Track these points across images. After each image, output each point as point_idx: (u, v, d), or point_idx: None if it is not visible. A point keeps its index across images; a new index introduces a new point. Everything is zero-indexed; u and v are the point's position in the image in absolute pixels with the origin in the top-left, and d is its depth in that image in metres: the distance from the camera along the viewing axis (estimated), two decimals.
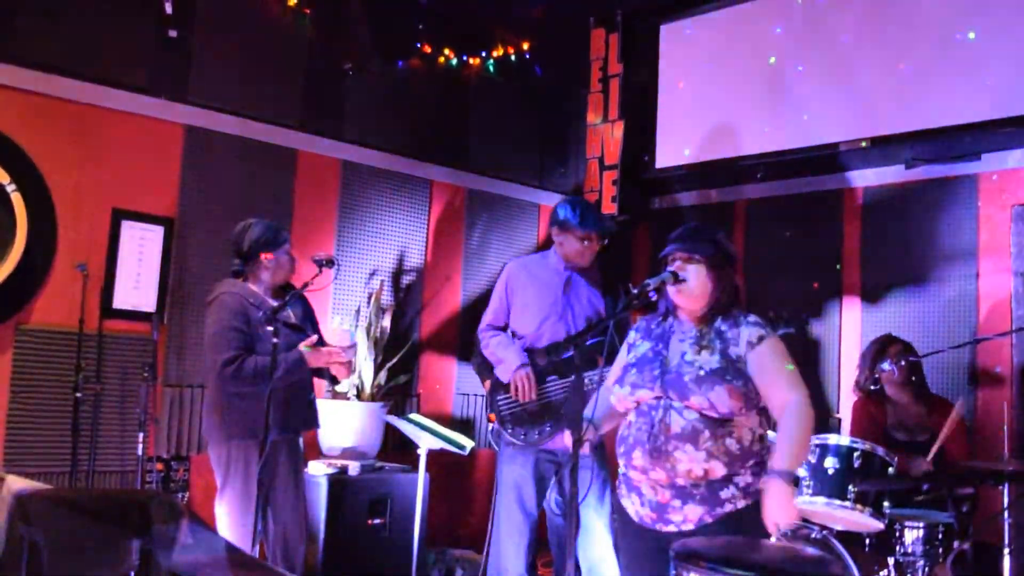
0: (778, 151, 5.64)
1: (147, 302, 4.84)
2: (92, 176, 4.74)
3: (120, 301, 4.77)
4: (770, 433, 3.61)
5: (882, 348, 4.69)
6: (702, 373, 2.87)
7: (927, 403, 4.64)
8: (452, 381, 6.19)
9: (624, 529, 3.09)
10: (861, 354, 4.86)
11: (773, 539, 2.70)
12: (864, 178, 5.58)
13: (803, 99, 5.54)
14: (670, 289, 2.97)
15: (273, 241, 4.01)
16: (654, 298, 2.99)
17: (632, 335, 3.17)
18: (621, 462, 3.02)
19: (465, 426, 6.15)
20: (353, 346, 4.05)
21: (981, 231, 5.10)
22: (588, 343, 3.76)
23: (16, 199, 4.42)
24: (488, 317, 4.32)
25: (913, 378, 4.58)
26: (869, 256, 5.53)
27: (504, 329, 4.29)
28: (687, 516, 2.87)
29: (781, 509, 2.71)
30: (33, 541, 2.28)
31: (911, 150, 5.25)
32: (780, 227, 5.88)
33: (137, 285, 4.82)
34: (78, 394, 4.48)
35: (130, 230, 4.82)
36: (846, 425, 5.05)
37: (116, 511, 2.09)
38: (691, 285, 2.96)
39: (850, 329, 5.58)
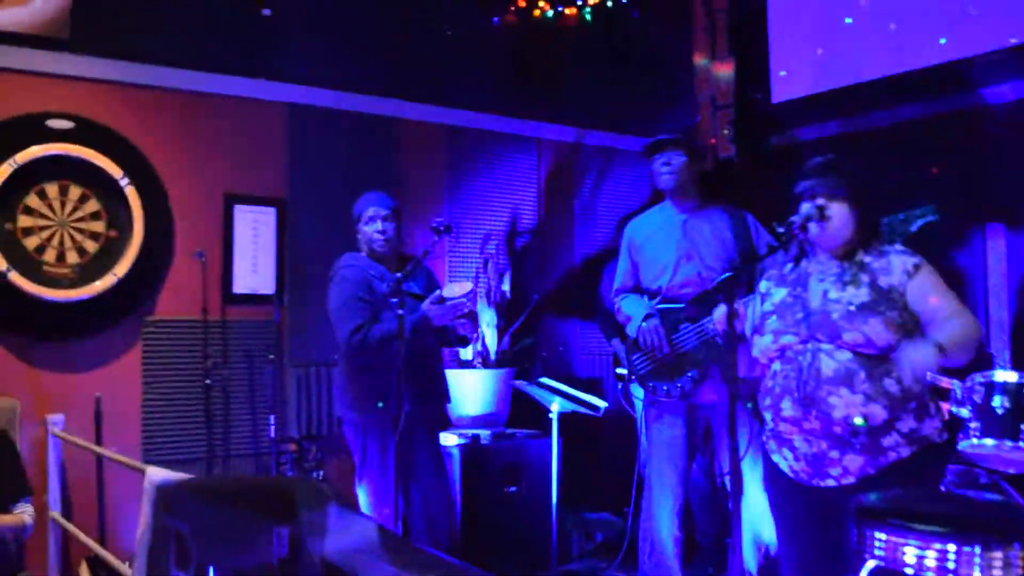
0: (905, 72, 5.28)
1: (266, 285, 4.84)
2: (201, 163, 4.75)
3: (240, 286, 4.78)
4: (944, 380, 3.37)
5: None
6: (852, 308, 2.68)
7: None
8: (575, 341, 6.06)
9: (777, 488, 2.90)
10: None
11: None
12: (1005, 93, 5.18)
13: (932, 9, 5.15)
14: (813, 227, 2.76)
15: (353, 216, 3.96)
16: (800, 237, 2.79)
17: (764, 284, 2.98)
18: (768, 415, 2.84)
19: (592, 385, 5.99)
20: (472, 293, 3.93)
21: None
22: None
23: (131, 193, 4.44)
24: (617, 282, 4.16)
25: None
26: (1014, 178, 5.14)
27: (634, 291, 4.12)
28: (847, 468, 2.68)
29: (920, 362, 2.52)
30: (179, 531, 2.25)
31: None
32: (911, 155, 5.52)
33: (255, 269, 4.82)
34: (207, 381, 4.51)
35: (243, 214, 4.81)
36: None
37: (260, 498, 2.04)
38: (835, 223, 2.77)
39: (996, 258, 5.23)
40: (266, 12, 4.93)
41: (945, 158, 5.36)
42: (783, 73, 5.85)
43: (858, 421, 2.63)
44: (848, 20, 5.53)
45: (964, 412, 3.51)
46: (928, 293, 2.70)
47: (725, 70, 5.88)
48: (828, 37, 5.65)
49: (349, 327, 3.70)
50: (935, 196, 5.33)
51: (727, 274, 3.78)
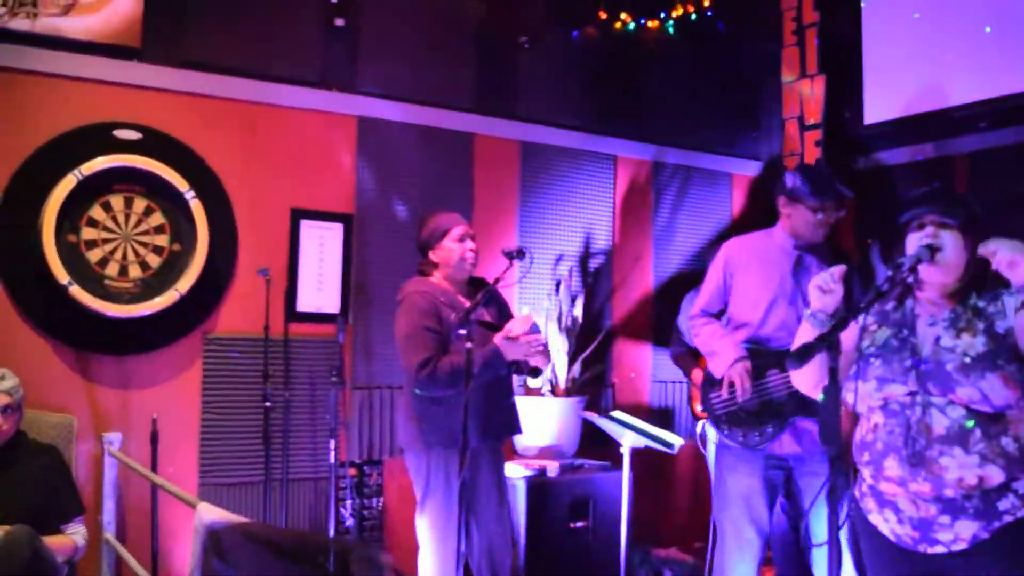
0: (1006, 95, 4.98)
1: (331, 303, 4.70)
2: (268, 176, 4.64)
3: (304, 304, 4.64)
4: None
5: None
6: (968, 360, 2.41)
7: None
8: (648, 369, 5.83)
9: (879, 552, 2.63)
10: None
11: None
12: None
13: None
14: (923, 266, 2.50)
15: (435, 233, 3.75)
16: (910, 280, 2.54)
17: (864, 319, 2.70)
18: (867, 472, 2.57)
19: (663, 416, 5.79)
20: (535, 327, 3.72)
21: None
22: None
23: (196, 206, 4.33)
24: (702, 301, 3.85)
25: None
26: None
27: (719, 316, 3.84)
28: (958, 534, 2.41)
29: None
30: None
31: None
32: (1008, 181, 5.21)
33: (320, 286, 4.68)
34: (267, 402, 4.38)
35: (309, 229, 4.68)
36: None
37: (314, 556, 1.87)
38: (947, 255, 2.50)
39: None
40: (339, 22, 4.82)
41: None
42: (873, 93, 5.57)
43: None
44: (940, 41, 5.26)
45: None
46: None
47: (815, 88, 5.60)
48: (922, 58, 5.38)
49: (417, 360, 3.52)
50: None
51: (833, 322, 3.52)
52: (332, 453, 4.24)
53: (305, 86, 4.73)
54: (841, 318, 2.41)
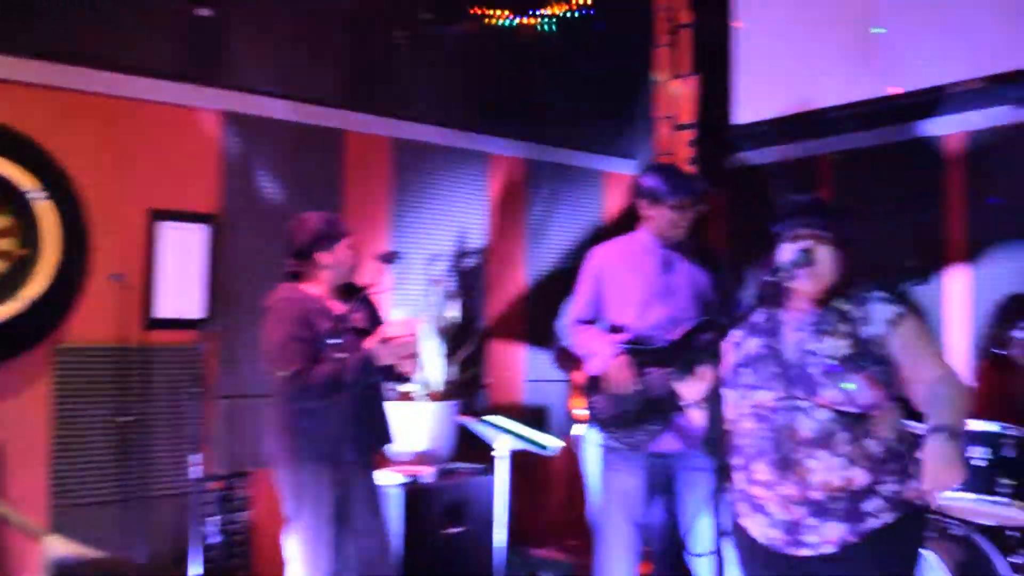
0: (872, 99, 5.14)
1: (193, 309, 4.48)
2: (125, 175, 4.40)
3: (163, 310, 4.41)
4: (914, 426, 3.20)
5: (1015, 311, 4.25)
6: (832, 363, 2.49)
7: None
8: (522, 368, 5.80)
9: (751, 555, 2.68)
10: (990, 314, 4.43)
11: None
12: (967, 122, 5.07)
13: (898, 39, 5.03)
14: (799, 272, 2.56)
15: (330, 236, 3.60)
16: (786, 287, 2.58)
17: (735, 333, 2.75)
18: (739, 477, 2.62)
19: (538, 415, 5.77)
20: (415, 332, 3.62)
21: None
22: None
23: (45, 208, 4.07)
24: (575, 311, 3.88)
25: None
26: (975, 208, 5.03)
27: (593, 323, 3.86)
28: (825, 536, 2.48)
29: (946, 469, 2.38)
30: None
31: (1018, 88, 4.71)
32: (872, 182, 5.39)
33: (180, 291, 4.46)
34: (124, 417, 4.15)
35: (170, 231, 4.46)
36: None
37: None
38: (821, 267, 2.58)
39: (955, 290, 5.10)
40: (203, 12, 4.59)
41: (911, 185, 5.24)
42: (745, 94, 5.67)
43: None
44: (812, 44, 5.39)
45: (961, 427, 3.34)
46: (912, 343, 2.53)
47: (687, 88, 5.66)
48: (791, 60, 5.49)
49: (288, 371, 3.38)
50: (897, 225, 5.20)
51: (703, 319, 3.57)
52: (195, 467, 4.06)
53: (166, 79, 4.50)
54: (725, 327, 2.45)
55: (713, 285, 3.75)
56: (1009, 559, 3.58)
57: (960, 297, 5.06)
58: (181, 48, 4.57)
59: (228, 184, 4.68)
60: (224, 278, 4.61)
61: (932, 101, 5.03)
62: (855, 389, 2.44)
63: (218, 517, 4.43)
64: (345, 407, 3.25)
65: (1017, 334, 4.12)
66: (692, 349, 3.40)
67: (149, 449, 4.32)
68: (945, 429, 2.40)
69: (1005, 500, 3.23)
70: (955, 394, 2.50)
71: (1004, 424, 3.34)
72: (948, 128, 5.14)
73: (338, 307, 3.54)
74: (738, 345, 2.71)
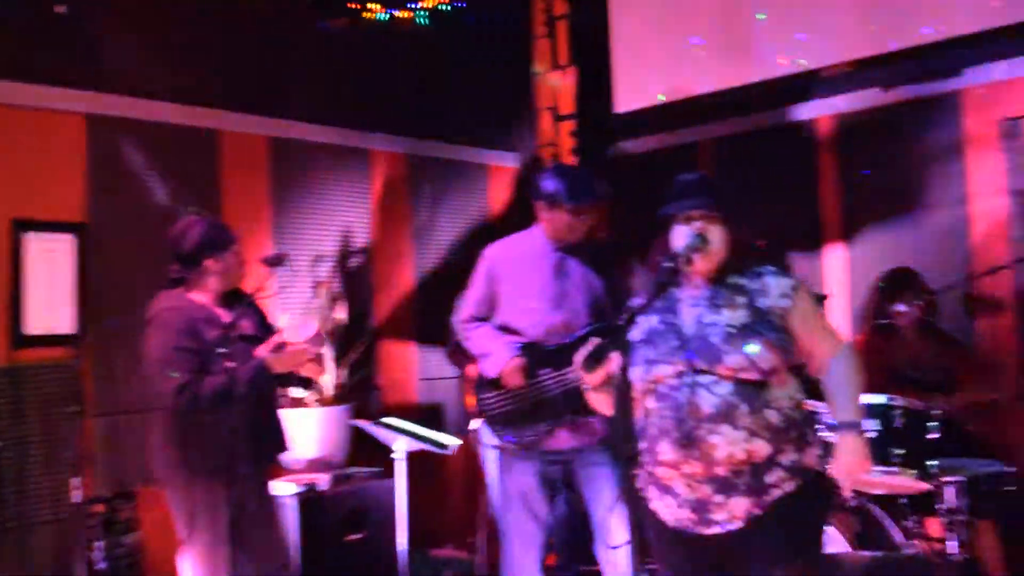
0: (744, 84, 5.26)
1: (64, 323, 4.24)
2: None
3: (32, 326, 4.16)
4: (809, 402, 3.26)
5: (898, 285, 4.41)
6: (732, 331, 2.52)
7: (937, 339, 4.41)
8: (414, 367, 5.72)
9: (660, 539, 2.67)
10: (872, 288, 4.57)
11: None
12: (837, 105, 5.26)
13: (766, 26, 5.15)
14: (695, 256, 2.58)
15: (219, 242, 3.45)
16: (682, 270, 2.59)
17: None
18: (645, 460, 2.60)
19: (433, 413, 5.69)
20: (318, 334, 3.52)
21: (968, 151, 4.80)
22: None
23: None
24: (469, 308, 3.81)
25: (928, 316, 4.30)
26: (849, 189, 5.22)
27: (488, 320, 3.80)
28: (733, 512, 2.50)
29: (858, 464, 2.54)
30: None
31: (887, 71, 4.93)
32: (749, 166, 5.51)
33: (50, 305, 4.21)
34: None
35: (35, 242, 4.20)
36: None
37: None
38: (715, 246, 2.61)
39: (833, 269, 5.27)
40: (60, 9, 4.34)
41: (787, 168, 5.36)
42: (623, 83, 5.71)
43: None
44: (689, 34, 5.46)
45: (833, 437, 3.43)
46: (808, 315, 2.60)
47: (567, 79, 5.66)
48: (667, 48, 5.57)
49: (173, 384, 3.22)
50: (775, 208, 5.32)
51: (597, 325, 3.53)
52: (76, 491, 3.83)
53: (23, 81, 4.24)
54: (629, 316, 2.42)
55: (607, 289, 3.68)
56: (901, 525, 3.70)
57: (838, 274, 5.22)
58: (39, 47, 4.31)
59: (96, 191, 4.45)
60: (97, 289, 4.38)
61: (802, 86, 5.18)
62: (758, 352, 2.46)
63: (103, 542, 4.20)
64: (237, 418, 3.12)
65: (900, 307, 4.26)
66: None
67: (25, 474, 4.08)
68: (854, 425, 2.54)
69: (896, 469, 3.32)
70: (852, 373, 2.59)
71: (891, 396, 3.43)
72: (819, 112, 5.29)
73: (225, 315, 3.40)
74: (633, 324, 2.71)
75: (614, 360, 2.47)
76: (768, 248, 2.44)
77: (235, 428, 3.06)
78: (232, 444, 3.04)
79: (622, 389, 2.32)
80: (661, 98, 5.56)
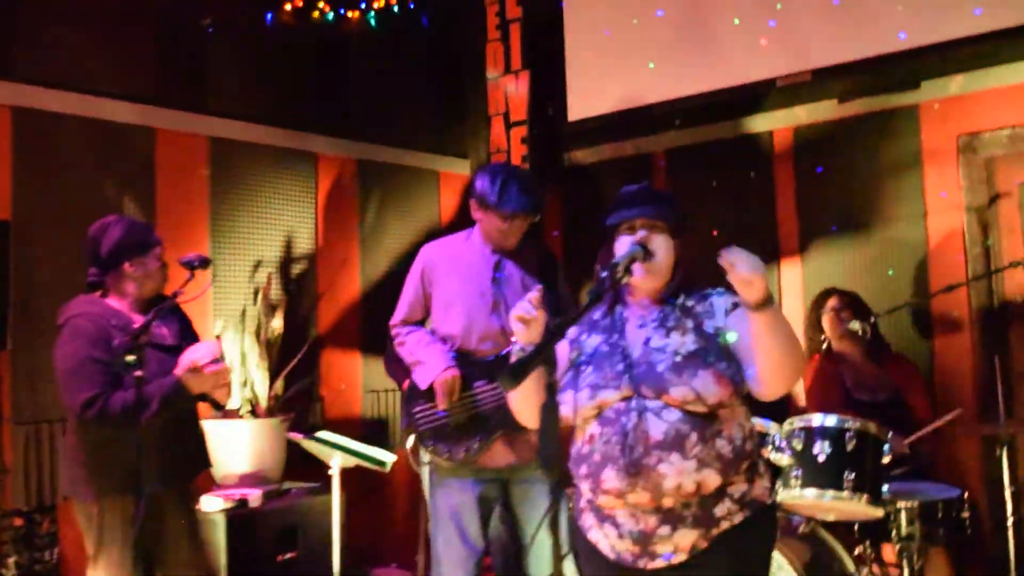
0: (698, 94, 5.17)
1: None
2: None
3: None
4: (758, 423, 3.15)
5: (819, 304, 4.44)
6: (679, 359, 2.36)
7: (879, 359, 4.34)
8: (358, 378, 5.54)
9: (597, 570, 2.51)
10: (810, 306, 4.56)
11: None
12: (794, 117, 5.19)
13: (723, 35, 5.07)
14: (636, 267, 2.42)
15: (139, 245, 3.26)
16: (625, 282, 2.44)
17: (572, 331, 2.58)
18: (585, 486, 2.44)
19: (378, 427, 5.53)
20: (221, 357, 3.32)
21: (926, 165, 4.74)
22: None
23: None
24: (402, 311, 3.62)
25: (859, 334, 4.19)
26: (805, 202, 5.14)
27: (422, 324, 3.62)
28: (678, 545, 2.35)
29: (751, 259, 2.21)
30: None
31: (843, 83, 4.88)
32: (704, 177, 5.42)
33: None
34: None
35: None
36: (799, 390, 4.62)
37: None
38: (659, 259, 2.46)
39: (790, 283, 5.18)
40: None
41: (743, 180, 5.28)
42: (576, 91, 5.59)
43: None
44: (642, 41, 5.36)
45: (784, 460, 3.30)
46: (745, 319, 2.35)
47: (519, 84, 5.53)
48: (621, 56, 5.46)
49: (82, 397, 3.03)
50: (730, 221, 5.23)
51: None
52: None
53: None
54: (557, 326, 2.25)
55: (548, 298, 3.54)
56: (854, 553, 3.59)
57: (795, 287, 5.13)
58: None
59: (20, 187, 4.25)
60: (19, 290, 4.16)
61: (759, 96, 5.10)
62: (703, 384, 2.31)
63: (18, 557, 4.00)
64: (149, 433, 2.94)
65: (854, 325, 4.16)
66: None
67: None
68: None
69: (847, 494, 3.20)
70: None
71: (841, 417, 3.31)
72: (776, 124, 5.22)
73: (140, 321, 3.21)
74: (574, 343, 2.55)
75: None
76: (721, 241, 2.25)
77: (146, 444, 2.87)
78: (142, 460, 2.85)
79: (549, 408, 2.14)
80: (600, 104, 5.44)
